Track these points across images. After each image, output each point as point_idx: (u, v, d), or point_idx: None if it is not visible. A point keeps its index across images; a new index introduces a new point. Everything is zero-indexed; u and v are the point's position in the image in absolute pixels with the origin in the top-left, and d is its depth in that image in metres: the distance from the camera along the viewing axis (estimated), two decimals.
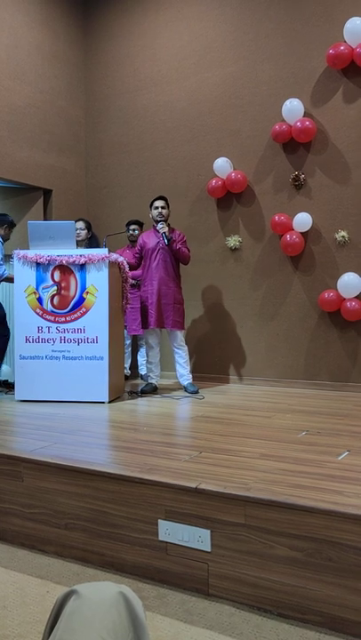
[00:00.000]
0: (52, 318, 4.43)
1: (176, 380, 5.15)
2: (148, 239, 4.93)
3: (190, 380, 4.96)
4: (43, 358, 4.44)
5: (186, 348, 5.00)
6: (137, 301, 5.60)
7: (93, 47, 6.54)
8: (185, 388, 4.91)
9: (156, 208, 4.89)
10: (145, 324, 4.92)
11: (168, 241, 4.78)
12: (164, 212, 4.90)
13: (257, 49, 5.43)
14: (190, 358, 5.72)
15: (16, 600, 2.15)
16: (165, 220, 4.90)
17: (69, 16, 6.40)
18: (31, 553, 2.61)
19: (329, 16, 5.04)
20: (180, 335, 4.95)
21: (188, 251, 4.97)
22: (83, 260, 4.37)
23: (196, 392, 4.82)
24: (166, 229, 4.80)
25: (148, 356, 5.10)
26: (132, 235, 5.71)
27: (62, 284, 4.43)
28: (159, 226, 4.83)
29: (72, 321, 4.41)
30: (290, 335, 5.33)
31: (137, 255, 4.98)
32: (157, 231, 4.87)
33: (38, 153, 6.00)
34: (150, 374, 5.03)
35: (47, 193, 6.18)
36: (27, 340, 4.46)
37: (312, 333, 5.22)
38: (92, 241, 5.41)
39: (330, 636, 1.91)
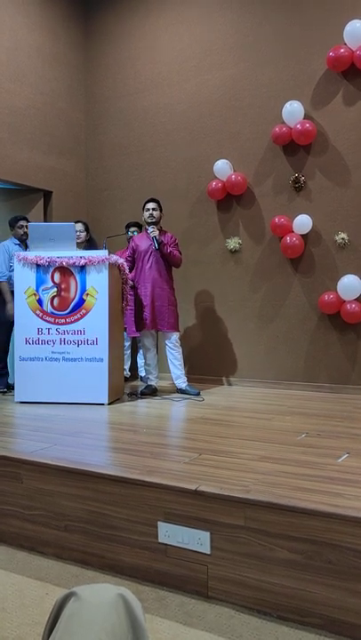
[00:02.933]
0: (52, 320, 4.43)
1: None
2: (141, 242, 4.95)
3: (187, 382, 4.96)
4: (42, 360, 4.43)
5: (180, 349, 5.00)
6: None
7: (94, 49, 6.55)
8: (184, 391, 4.89)
9: (148, 210, 4.91)
10: (140, 326, 4.92)
11: (158, 244, 4.79)
12: (156, 213, 4.91)
13: (257, 51, 5.44)
14: (190, 360, 5.71)
15: (15, 602, 2.15)
16: (157, 222, 4.92)
17: (70, 18, 6.41)
18: (30, 555, 2.60)
19: (329, 19, 5.05)
20: (174, 336, 4.95)
21: (180, 253, 4.99)
22: (83, 262, 4.37)
23: (198, 394, 4.81)
24: (157, 233, 4.81)
25: (145, 359, 5.10)
26: (131, 237, 5.71)
27: (62, 286, 4.43)
28: (149, 229, 4.85)
29: (72, 322, 4.41)
30: (289, 337, 5.33)
31: (129, 258, 4.99)
32: (149, 234, 4.89)
33: (38, 155, 6.01)
34: (149, 376, 5.03)
35: (47, 195, 6.18)
36: (26, 341, 4.45)
37: (312, 335, 5.22)
38: (90, 243, 5.42)
39: (330, 639, 1.91)
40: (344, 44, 4.87)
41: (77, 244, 5.24)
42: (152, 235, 4.82)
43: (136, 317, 4.97)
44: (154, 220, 4.89)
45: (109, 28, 6.42)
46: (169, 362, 4.98)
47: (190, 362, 5.70)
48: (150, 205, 4.92)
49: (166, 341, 4.95)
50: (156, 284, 4.87)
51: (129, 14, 6.27)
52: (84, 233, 5.36)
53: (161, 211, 4.98)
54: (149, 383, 5.00)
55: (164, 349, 5.04)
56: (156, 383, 5.05)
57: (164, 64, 6.03)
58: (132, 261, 5.00)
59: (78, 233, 5.27)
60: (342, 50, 4.84)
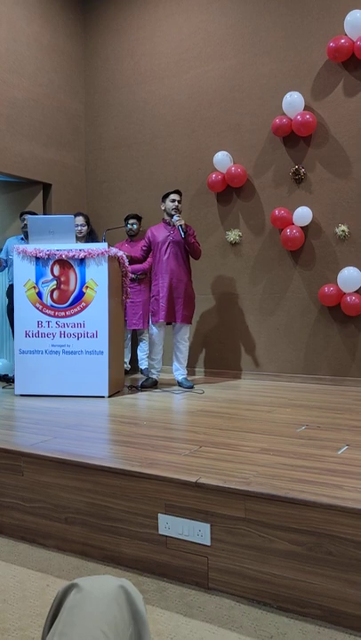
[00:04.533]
0: (52, 313, 4.43)
1: None
2: (158, 232, 4.87)
3: (185, 376, 4.96)
4: (42, 353, 4.44)
5: (187, 343, 4.98)
6: (137, 296, 5.59)
7: (93, 41, 6.51)
8: (179, 383, 4.90)
9: (173, 201, 4.82)
10: (155, 318, 4.86)
11: (185, 234, 4.72)
12: (180, 205, 4.85)
13: (257, 42, 5.41)
14: (189, 352, 5.72)
15: (16, 594, 2.16)
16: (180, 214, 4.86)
17: (69, 9, 6.36)
18: (31, 547, 2.62)
19: (329, 9, 5.01)
20: (185, 329, 4.91)
21: (199, 245, 4.94)
22: (82, 255, 4.36)
23: (192, 387, 4.81)
24: (183, 222, 4.73)
25: (150, 352, 5.02)
26: (130, 229, 5.70)
27: (62, 279, 4.42)
28: (175, 218, 4.75)
29: (72, 315, 4.41)
30: (290, 330, 5.33)
31: (144, 248, 4.92)
32: (168, 224, 4.82)
33: (38, 147, 5.98)
34: (152, 370, 5.00)
35: (46, 187, 6.16)
36: (26, 334, 4.45)
37: (312, 328, 5.22)
38: (91, 235, 5.39)
39: (329, 630, 1.92)
40: (344, 34, 4.84)
41: (79, 238, 5.23)
42: (178, 224, 4.72)
43: (152, 309, 4.91)
44: (179, 212, 4.83)
45: (108, 18, 6.38)
46: (174, 354, 4.96)
47: (190, 354, 5.70)
48: (176, 197, 4.84)
49: (176, 334, 4.92)
50: (174, 276, 4.79)
51: (128, 5, 6.22)
52: (86, 227, 5.32)
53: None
54: (151, 376, 4.99)
55: (172, 340, 5.01)
56: (158, 376, 5.04)
57: (163, 55, 5.99)
58: (147, 252, 4.94)
59: (80, 227, 5.23)
60: (343, 40, 4.81)
